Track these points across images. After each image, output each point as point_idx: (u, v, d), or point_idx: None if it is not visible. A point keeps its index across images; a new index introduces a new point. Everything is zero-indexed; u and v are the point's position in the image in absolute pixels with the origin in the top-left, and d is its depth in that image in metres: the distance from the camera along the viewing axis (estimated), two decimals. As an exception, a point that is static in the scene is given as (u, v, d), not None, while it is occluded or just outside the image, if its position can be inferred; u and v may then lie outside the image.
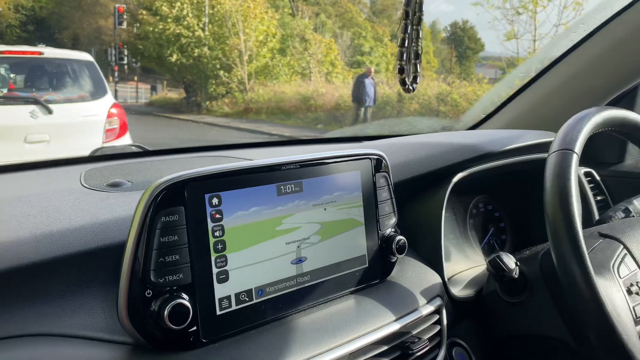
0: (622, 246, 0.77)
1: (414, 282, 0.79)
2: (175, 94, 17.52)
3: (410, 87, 0.64)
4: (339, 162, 0.71)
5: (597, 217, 1.12)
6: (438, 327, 0.77)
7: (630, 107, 1.27)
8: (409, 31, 0.60)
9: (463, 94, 10.55)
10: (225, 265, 0.60)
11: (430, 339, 0.74)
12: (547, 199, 0.72)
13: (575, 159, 0.73)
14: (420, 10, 0.60)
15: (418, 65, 0.63)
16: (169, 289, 0.55)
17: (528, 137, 1.02)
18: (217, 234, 0.59)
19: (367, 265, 0.74)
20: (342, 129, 10.84)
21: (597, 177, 1.28)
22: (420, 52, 0.62)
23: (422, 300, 0.76)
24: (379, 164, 0.76)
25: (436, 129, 1.70)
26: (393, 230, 0.78)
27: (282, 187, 0.65)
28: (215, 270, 0.59)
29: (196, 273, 0.57)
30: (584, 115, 0.81)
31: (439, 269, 0.83)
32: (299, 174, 0.67)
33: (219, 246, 0.59)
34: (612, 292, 0.69)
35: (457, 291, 0.88)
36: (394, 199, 0.78)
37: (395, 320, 0.70)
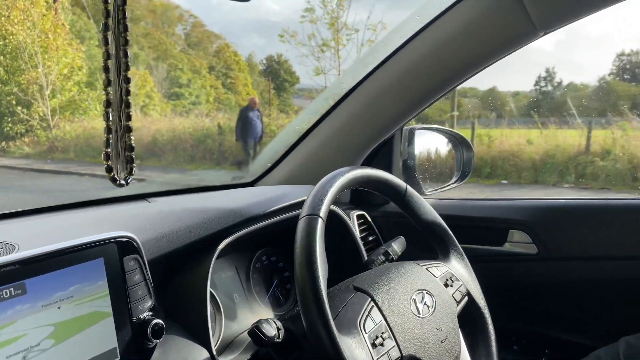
0: (369, 299, 0.84)
1: (178, 363, 0.76)
2: (-42, 135, 14.95)
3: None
4: (76, 252, 0.66)
5: (365, 258, 1.23)
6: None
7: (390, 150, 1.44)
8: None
9: (281, 125, 10.99)
10: None
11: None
12: (295, 263, 0.76)
13: (320, 224, 0.79)
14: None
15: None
16: None
17: (294, 195, 1.08)
18: None
19: (119, 357, 0.70)
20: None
21: (369, 219, 1.42)
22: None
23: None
24: (127, 247, 0.73)
25: (225, 181, 1.72)
26: (150, 313, 0.75)
27: (-4, 294, 0.57)
28: None
29: None
30: (331, 178, 0.88)
31: (206, 343, 0.82)
32: (21, 274, 0.60)
33: None
34: (356, 349, 0.75)
35: (232, 357, 0.88)
36: (149, 280, 0.75)
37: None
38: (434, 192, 1.55)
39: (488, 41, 1.09)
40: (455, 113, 8.23)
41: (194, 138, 10.83)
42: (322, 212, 0.81)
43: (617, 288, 1.26)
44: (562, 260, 1.24)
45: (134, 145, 0.53)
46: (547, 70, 9.59)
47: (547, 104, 9.21)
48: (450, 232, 1.07)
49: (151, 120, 13.29)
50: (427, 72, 1.20)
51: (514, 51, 1.11)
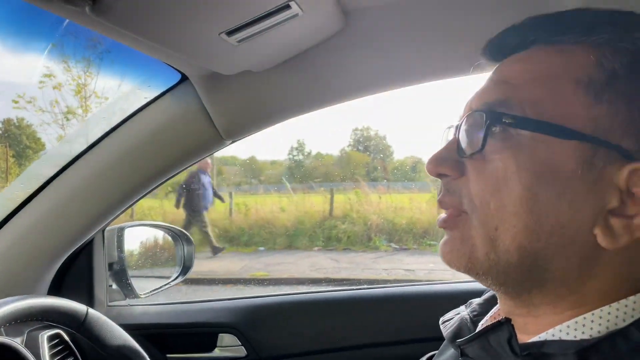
0: None
1: None
2: None
3: None
4: None
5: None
6: None
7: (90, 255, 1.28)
8: None
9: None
10: None
11: None
12: None
13: None
14: None
15: None
16: None
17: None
18: None
19: None
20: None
21: (67, 337, 1.22)
22: None
23: None
24: None
25: None
26: None
27: None
28: None
29: None
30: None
31: None
32: None
33: None
34: None
35: None
36: None
37: None
38: (152, 293, 1.44)
39: (178, 146, 1.07)
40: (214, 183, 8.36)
41: None
42: None
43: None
44: (271, 360, 1.24)
45: None
46: (298, 141, 10.58)
47: (298, 171, 10.09)
48: (143, 354, 0.97)
49: None
50: (122, 173, 1.11)
51: (204, 157, 1.11)
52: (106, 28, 0.68)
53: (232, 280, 6.07)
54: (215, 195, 7.35)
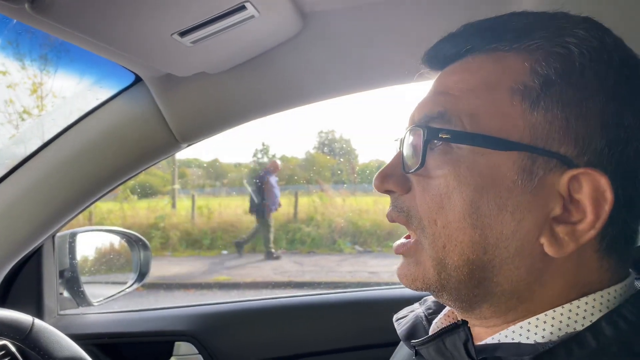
0: None
1: None
2: None
3: None
4: None
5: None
6: None
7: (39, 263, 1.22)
8: None
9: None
10: None
11: None
12: None
13: None
14: None
15: None
16: None
17: None
18: None
19: None
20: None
21: (13, 349, 1.16)
22: None
23: None
24: None
25: None
26: None
27: None
28: None
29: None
30: None
31: None
32: None
33: None
34: None
35: None
36: None
37: None
38: (107, 300, 1.39)
39: (133, 148, 1.03)
40: (177, 187, 8.20)
41: None
42: None
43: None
44: (228, 368, 1.21)
45: None
46: (263, 144, 10.50)
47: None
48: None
49: None
50: (73, 176, 1.07)
51: (160, 160, 1.08)
52: (50, 26, 0.65)
53: (195, 285, 5.97)
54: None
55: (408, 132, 0.53)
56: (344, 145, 10.40)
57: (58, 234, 1.24)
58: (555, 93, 0.47)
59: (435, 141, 0.50)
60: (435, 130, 0.49)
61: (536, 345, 0.46)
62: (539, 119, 0.47)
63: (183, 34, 0.73)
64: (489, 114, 0.48)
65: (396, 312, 0.70)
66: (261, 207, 6.90)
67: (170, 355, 1.20)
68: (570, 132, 0.46)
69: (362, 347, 1.25)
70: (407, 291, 1.36)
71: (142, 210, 7.51)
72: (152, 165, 1.09)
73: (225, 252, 7.13)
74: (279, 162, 7.48)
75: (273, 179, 6.92)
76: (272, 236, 6.91)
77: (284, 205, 7.51)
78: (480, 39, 0.52)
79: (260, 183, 6.95)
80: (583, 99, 0.46)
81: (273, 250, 6.92)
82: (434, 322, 0.62)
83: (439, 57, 0.56)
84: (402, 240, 0.56)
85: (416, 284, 0.53)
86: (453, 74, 0.53)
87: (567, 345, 0.43)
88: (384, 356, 0.78)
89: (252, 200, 7.08)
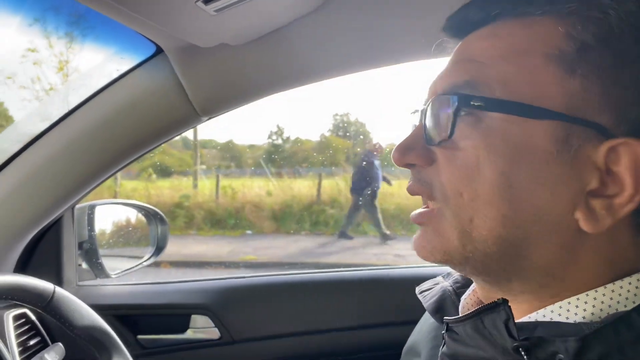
0: None
1: None
2: None
3: None
4: None
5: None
6: None
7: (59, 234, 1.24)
8: None
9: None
10: None
11: None
12: None
13: None
14: None
15: None
16: None
17: None
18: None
19: None
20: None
21: (33, 317, 1.18)
22: None
23: None
24: None
25: None
26: None
27: None
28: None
29: None
30: None
31: None
32: None
33: None
34: None
35: None
36: None
37: None
38: (124, 273, 1.41)
39: (152, 121, 1.03)
40: (203, 166, 8.23)
41: None
42: None
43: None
44: (243, 342, 1.22)
45: None
46: (277, 126, 10.49)
47: (279, 155, 10.03)
48: (113, 335, 0.94)
49: None
50: (92, 148, 1.07)
51: (180, 133, 1.07)
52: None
53: (224, 263, 6.02)
54: (384, 179, 7.11)
55: (431, 102, 0.51)
56: (360, 129, 10.34)
57: (77, 206, 1.25)
58: (593, 59, 0.44)
59: (465, 110, 0.47)
60: (465, 97, 0.47)
61: (579, 324, 0.44)
62: (575, 86, 0.44)
63: (207, 1, 0.72)
64: (522, 81, 0.46)
65: (412, 290, 0.68)
66: (366, 189, 6.79)
67: (187, 327, 1.21)
68: (607, 101, 0.44)
69: (378, 324, 1.25)
70: (424, 270, 1.37)
71: (165, 190, 7.59)
72: (172, 138, 1.09)
73: (249, 231, 7.16)
74: (382, 144, 7.23)
75: (377, 161, 6.90)
76: (380, 217, 6.85)
77: (306, 187, 7.51)
78: (509, 3, 0.49)
79: (367, 165, 6.91)
80: (621, 66, 0.44)
81: (387, 231, 6.89)
82: (463, 297, 0.60)
83: (464, 23, 0.53)
84: (421, 209, 0.53)
85: (435, 256, 0.50)
86: (479, 40, 0.50)
87: (615, 326, 0.41)
88: (400, 334, 0.78)
89: (355, 182, 7.04)
